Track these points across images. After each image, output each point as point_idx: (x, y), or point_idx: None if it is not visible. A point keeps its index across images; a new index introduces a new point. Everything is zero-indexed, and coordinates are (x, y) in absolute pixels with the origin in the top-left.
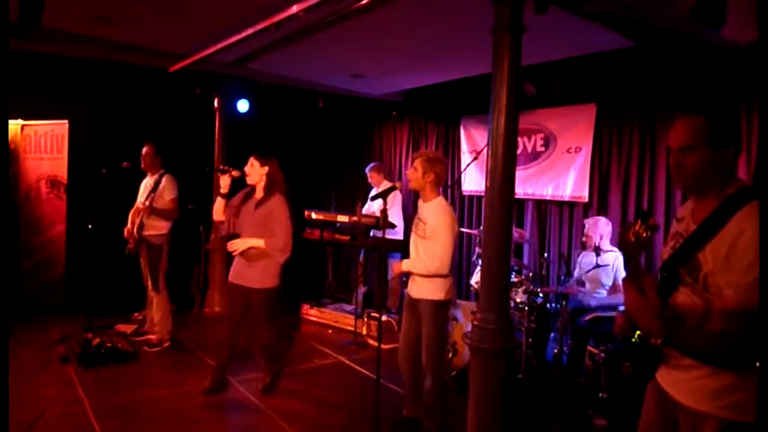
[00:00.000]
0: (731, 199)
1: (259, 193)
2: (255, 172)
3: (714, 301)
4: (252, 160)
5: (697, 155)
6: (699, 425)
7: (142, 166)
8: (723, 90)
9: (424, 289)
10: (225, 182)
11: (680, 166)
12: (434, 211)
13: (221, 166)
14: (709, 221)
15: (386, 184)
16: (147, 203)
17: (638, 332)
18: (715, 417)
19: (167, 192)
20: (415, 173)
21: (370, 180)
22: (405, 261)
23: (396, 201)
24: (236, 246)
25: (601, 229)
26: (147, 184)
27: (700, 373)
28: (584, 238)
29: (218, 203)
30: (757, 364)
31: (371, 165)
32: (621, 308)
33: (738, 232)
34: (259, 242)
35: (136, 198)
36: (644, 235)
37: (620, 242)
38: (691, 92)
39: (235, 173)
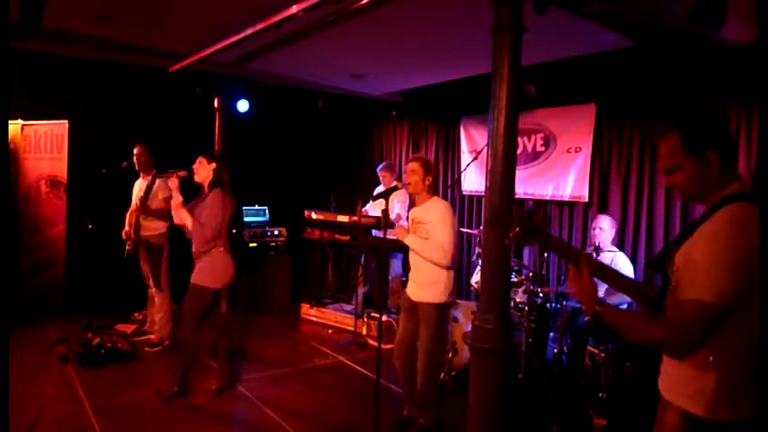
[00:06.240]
0: (721, 201)
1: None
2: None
3: (676, 295)
4: (200, 159)
5: (683, 171)
6: (665, 412)
7: (137, 167)
8: (723, 90)
9: (425, 292)
10: (173, 184)
11: (675, 184)
12: (433, 209)
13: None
14: (696, 222)
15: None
16: (140, 204)
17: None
18: (676, 407)
19: (161, 191)
20: (414, 175)
21: (381, 180)
22: (410, 236)
23: (399, 200)
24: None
25: (601, 223)
26: (140, 185)
27: (669, 362)
28: (596, 240)
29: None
30: (711, 359)
31: (383, 164)
32: (622, 306)
33: (705, 233)
34: (189, 219)
35: (132, 199)
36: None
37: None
38: (691, 92)
39: (181, 173)
